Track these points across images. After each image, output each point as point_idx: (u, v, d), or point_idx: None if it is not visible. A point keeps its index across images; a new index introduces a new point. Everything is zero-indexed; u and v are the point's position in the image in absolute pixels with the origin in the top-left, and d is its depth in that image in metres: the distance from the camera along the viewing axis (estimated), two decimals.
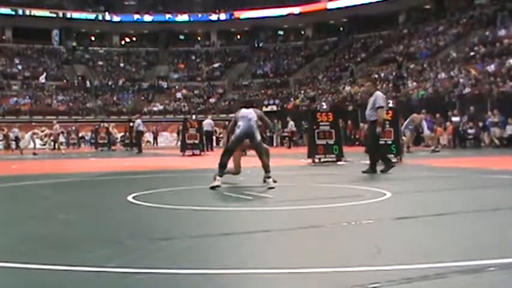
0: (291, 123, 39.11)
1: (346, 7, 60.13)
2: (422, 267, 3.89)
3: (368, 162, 13.01)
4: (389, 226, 5.96)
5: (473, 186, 9.98)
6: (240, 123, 9.89)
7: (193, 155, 25.07)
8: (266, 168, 9.93)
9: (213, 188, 9.44)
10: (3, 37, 64.67)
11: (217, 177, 9.66)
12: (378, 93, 13.26)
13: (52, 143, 35.52)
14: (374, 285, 3.51)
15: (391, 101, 20.81)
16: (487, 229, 5.60)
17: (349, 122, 37.68)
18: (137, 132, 31.76)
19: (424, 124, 25.46)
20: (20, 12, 63.00)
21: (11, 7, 62.60)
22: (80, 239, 5.37)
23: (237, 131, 9.85)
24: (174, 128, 48.56)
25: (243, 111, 10.21)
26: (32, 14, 63.46)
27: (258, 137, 10.05)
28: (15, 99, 54.42)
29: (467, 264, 3.95)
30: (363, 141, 28.55)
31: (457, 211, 6.77)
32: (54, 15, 64.66)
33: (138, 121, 32.04)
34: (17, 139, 37.15)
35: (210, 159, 21.50)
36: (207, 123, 31.65)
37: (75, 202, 8.79)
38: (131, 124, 37.02)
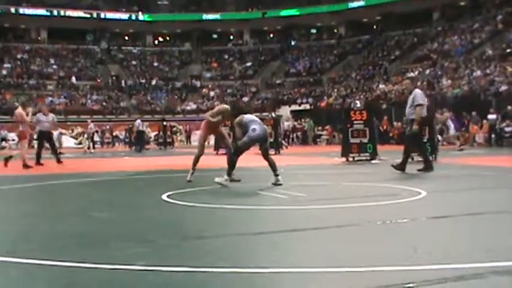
0: (287, 123, 38.39)
1: (380, 4, 59.68)
2: (458, 267, 3.85)
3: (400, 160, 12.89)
4: (425, 225, 5.91)
5: (508, 186, 9.83)
6: (254, 126, 10.15)
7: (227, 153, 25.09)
8: (274, 167, 10.27)
9: (219, 183, 9.77)
10: (39, 38, 65.58)
11: (226, 177, 9.91)
12: (417, 90, 13.12)
13: (86, 142, 35.95)
14: (409, 285, 3.48)
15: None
16: None
17: (384, 120, 37.40)
18: (137, 132, 32.90)
19: (451, 124, 24.93)
20: (55, 13, 63.78)
21: (46, 8, 63.46)
22: (114, 237, 5.43)
23: (253, 133, 10.09)
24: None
25: (249, 116, 10.51)
26: (67, 14, 64.20)
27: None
28: (50, 98, 55.13)
29: (504, 265, 3.90)
30: (397, 139, 28.38)
31: (493, 211, 6.68)
32: (89, 15, 65.35)
33: (138, 121, 33.22)
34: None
35: (243, 158, 21.54)
36: None
37: (110, 200, 8.89)
38: (164, 123, 37.45)
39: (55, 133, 32.87)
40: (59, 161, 18.66)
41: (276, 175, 10.17)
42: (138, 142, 33.51)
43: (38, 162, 17.92)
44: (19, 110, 17.80)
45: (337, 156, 18.28)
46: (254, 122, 10.29)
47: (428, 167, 12.63)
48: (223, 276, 3.89)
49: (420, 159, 13.57)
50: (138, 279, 3.85)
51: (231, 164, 10.04)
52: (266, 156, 10.41)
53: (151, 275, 3.91)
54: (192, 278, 3.85)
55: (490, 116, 28.87)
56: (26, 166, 16.61)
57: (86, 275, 3.98)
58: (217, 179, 9.82)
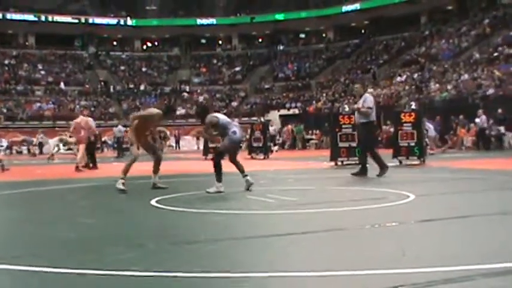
0: (273, 127, 38.28)
1: (368, 9, 59.89)
2: (446, 270, 3.87)
3: (378, 164, 12.96)
4: (414, 228, 5.93)
5: (497, 188, 9.88)
6: (234, 129, 10.06)
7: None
8: (242, 169, 10.17)
9: (212, 193, 9.51)
10: (27, 43, 65.36)
11: (218, 184, 9.69)
12: (367, 94, 13.32)
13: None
14: None
15: (413, 103, 20.69)
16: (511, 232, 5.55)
17: None
18: (117, 138, 33.32)
19: (430, 126, 24.91)
20: (43, 18, 63.58)
21: (34, 13, 63.24)
22: (104, 243, 5.41)
23: (235, 136, 10.01)
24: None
25: (223, 117, 10.35)
26: (55, 20, 64.02)
27: None
28: (38, 104, 54.93)
29: (492, 267, 3.92)
30: (386, 143, 28.46)
31: (481, 213, 6.71)
32: (77, 20, 65.20)
33: (119, 127, 34.02)
34: (40, 144, 37.68)
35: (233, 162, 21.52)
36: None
37: (99, 206, 8.88)
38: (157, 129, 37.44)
39: (51, 140, 32.98)
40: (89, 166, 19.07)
41: (245, 175, 10.08)
42: (118, 148, 33.85)
43: (95, 166, 18.96)
44: (85, 118, 18.61)
45: (326, 161, 18.31)
46: (232, 124, 10.20)
47: (364, 171, 12.85)
48: (214, 281, 3.89)
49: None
50: (130, 285, 3.84)
51: (218, 170, 9.83)
52: (234, 158, 10.28)
53: (143, 281, 3.91)
54: (183, 283, 3.85)
55: (478, 120, 28.99)
56: (78, 169, 17.32)
57: (78, 281, 3.97)
58: (209, 190, 9.59)
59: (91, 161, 19.04)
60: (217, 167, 9.83)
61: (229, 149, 10.20)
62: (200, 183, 9.97)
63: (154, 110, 11.22)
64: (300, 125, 41.84)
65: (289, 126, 41.87)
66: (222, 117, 10.30)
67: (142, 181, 11.23)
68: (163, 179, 11.14)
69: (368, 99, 12.96)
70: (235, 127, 10.13)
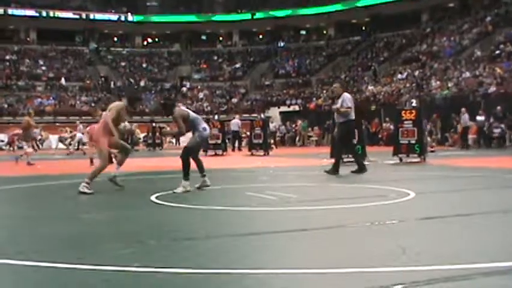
0: (273, 124, 38.33)
1: (369, 6, 59.86)
2: (447, 268, 3.86)
3: (356, 163, 12.99)
4: (414, 226, 5.92)
5: (497, 186, 9.88)
6: (204, 125, 9.89)
7: (216, 155, 25.08)
8: (202, 168, 9.92)
9: (180, 192, 9.19)
10: (28, 39, 65.33)
11: (185, 183, 9.39)
12: (346, 94, 13.25)
13: (76, 144, 35.87)
14: (397, 286, 3.49)
15: (414, 101, 20.68)
16: None
17: (374, 121, 37.41)
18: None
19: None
20: (44, 14, 63.54)
21: (36, 9, 63.22)
22: (103, 239, 5.41)
23: (205, 133, 9.84)
24: None
25: (193, 113, 10.11)
26: (56, 15, 63.97)
27: None
28: (39, 100, 54.90)
29: (493, 266, 3.91)
30: (386, 141, 28.44)
31: (482, 212, 6.70)
32: (78, 16, 65.14)
33: (125, 123, 33.46)
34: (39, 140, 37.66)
35: (232, 159, 21.52)
36: (235, 123, 31.91)
37: (98, 202, 8.87)
38: (153, 124, 37.42)
39: (52, 137, 32.95)
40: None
41: (203, 176, 9.88)
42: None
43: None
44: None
45: (326, 158, 18.29)
46: (201, 120, 10.01)
47: (334, 169, 12.79)
48: (213, 278, 3.88)
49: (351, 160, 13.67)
50: (131, 280, 3.84)
51: (186, 167, 9.50)
52: (196, 156, 10.06)
53: (142, 276, 3.90)
54: (183, 280, 3.85)
55: (479, 118, 28.98)
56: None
57: (79, 276, 3.97)
58: (176, 190, 9.27)
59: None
60: (186, 164, 9.55)
61: (199, 146, 10.02)
62: (199, 180, 9.93)
63: (119, 103, 10.83)
64: (304, 121, 41.78)
65: (299, 122, 41.70)
66: (191, 112, 10.13)
67: (141, 177, 11.22)
68: (166, 175, 11.12)
69: (347, 99, 12.91)
70: (204, 123, 9.96)
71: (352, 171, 12.73)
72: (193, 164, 9.73)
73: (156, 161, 21.21)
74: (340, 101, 12.99)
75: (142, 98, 11.91)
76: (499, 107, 28.99)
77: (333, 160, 17.58)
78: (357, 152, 13.14)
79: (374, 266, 4.00)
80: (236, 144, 32.91)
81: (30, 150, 19.52)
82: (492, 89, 33.63)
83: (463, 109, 28.36)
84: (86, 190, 9.61)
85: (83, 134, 39.26)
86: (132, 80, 62.23)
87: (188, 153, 9.70)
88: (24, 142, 19.23)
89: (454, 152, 23.50)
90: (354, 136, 14.83)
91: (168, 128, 20.30)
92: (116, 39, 70.29)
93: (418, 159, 17.12)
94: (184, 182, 9.38)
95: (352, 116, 13.02)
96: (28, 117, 19.05)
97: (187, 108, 12.19)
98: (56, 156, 25.34)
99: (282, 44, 67.26)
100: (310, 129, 41.91)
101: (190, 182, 9.42)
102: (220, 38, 71.06)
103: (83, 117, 46.78)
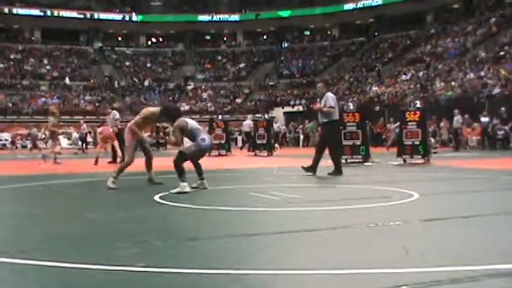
0: (277, 124, 38.32)
1: (373, 6, 59.82)
2: (451, 270, 3.85)
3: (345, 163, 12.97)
4: (418, 228, 5.91)
5: (502, 188, 9.84)
6: (203, 136, 9.85)
7: (220, 155, 25.06)
8: (201, 171, 9.97)
9: (177, 193, 9.11)
10: (32, 38, 65.49)
11: (183, 184, 9.32)
12: (329, 94, 13.12)
13: (80, 143, 36.04)
14: None
15: (418, 102, 20.65)
16: None
17: (379, 122, 37.35)
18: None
19: (397, 131, 24.69)
20: (49, 13, 63.69)
21: (40, 8, 63.35)
22: (107, 238, 5.41)
23: (203, 144, 9.76)
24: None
25: (193, 123, 10.06)
26: (60, 15, 64.11)
27: None
28: (43, 99, 55.00)
29: (498, 268, 3.90)
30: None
31: (486, 213, 6.69)
32: (82, 16, 65.28)
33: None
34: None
35: (235, 160, 21.50)
36: (247, 124, 31.93)
37: (102, 201, 8.87)
38: (157, 124, 37.45)
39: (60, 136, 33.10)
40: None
41: (202, 179, 9.88)
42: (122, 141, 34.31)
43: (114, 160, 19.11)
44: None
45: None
46: (201, 131, 9.94)
47: (338, 169, 12.79)
48: (217, 278, 3.88)
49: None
50: (135, 281, 3.84)
51: (180, 171, 9.40)
52: (196, 161, 9.98)
53: (147, 276, 3.90)
54: (187, 280, 3.85)
55: (483, 119, 28.93)
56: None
57: (82, 276, 3.96)
58: (173, 191, 9.22)
59: (113, 156, 19.32)
60: (179, 170, 9.43)
61: (196, 156, 9.89)
62: (198, 182, 9.93)
63: (152, 111, 11.07)
64: (311, 122, 41.66)
65: (306, 122, 41.52)
66: (191, 122, 10.05)
67: (145, 177, 11.22)
68: (170, 175, 11.09)
69: (330, 99, 12.79)
70: (204, 134, 9.93)
71: (329, 173, 12.68)
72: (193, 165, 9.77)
73: (160, 161, 21.18)
74: (323, 100, 12.91)
75: (181, 112, 11.81)
76: (503, 108, 28.93)
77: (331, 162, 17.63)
78: (336, 153, 13.09)
79: (378, 267, 3.99)
80: (246, 145, 32.88)
81: (58, 148, 19.76)
82: (496, 90, 33.61)
83: (456, 111, 28.39)
84: (113, 186, 10.01)
85: (89, 133, 39.44)
86: (136, 80, 62.33)
87: (181, 160, 9.62)
88: (51, 141, 19.50)
89: (458, 154, 23.45)
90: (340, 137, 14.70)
91: (171, 129, 20.29)
92: (120, 38, 70.44)
93: (422, 161, 17.11)
94: (181, 184, 9.32)
95: (336, 117, 12.96)
96: (52, 117, 19.26)
97: (191, 108, 12.17)
98: (62, 156, 25.34)
99: (286, 45, 67.29)
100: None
101: (187, 183, 9.37)
102: (225, 38, 71.09)
103: (87, 117, 46.98)
